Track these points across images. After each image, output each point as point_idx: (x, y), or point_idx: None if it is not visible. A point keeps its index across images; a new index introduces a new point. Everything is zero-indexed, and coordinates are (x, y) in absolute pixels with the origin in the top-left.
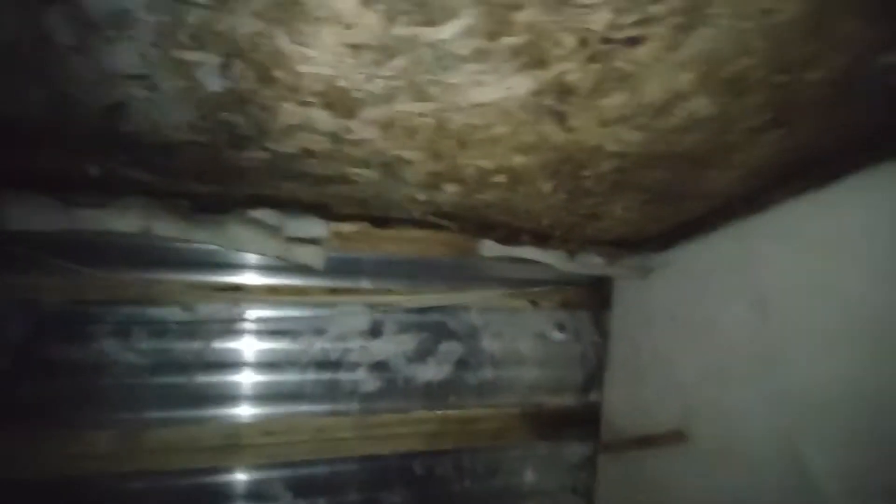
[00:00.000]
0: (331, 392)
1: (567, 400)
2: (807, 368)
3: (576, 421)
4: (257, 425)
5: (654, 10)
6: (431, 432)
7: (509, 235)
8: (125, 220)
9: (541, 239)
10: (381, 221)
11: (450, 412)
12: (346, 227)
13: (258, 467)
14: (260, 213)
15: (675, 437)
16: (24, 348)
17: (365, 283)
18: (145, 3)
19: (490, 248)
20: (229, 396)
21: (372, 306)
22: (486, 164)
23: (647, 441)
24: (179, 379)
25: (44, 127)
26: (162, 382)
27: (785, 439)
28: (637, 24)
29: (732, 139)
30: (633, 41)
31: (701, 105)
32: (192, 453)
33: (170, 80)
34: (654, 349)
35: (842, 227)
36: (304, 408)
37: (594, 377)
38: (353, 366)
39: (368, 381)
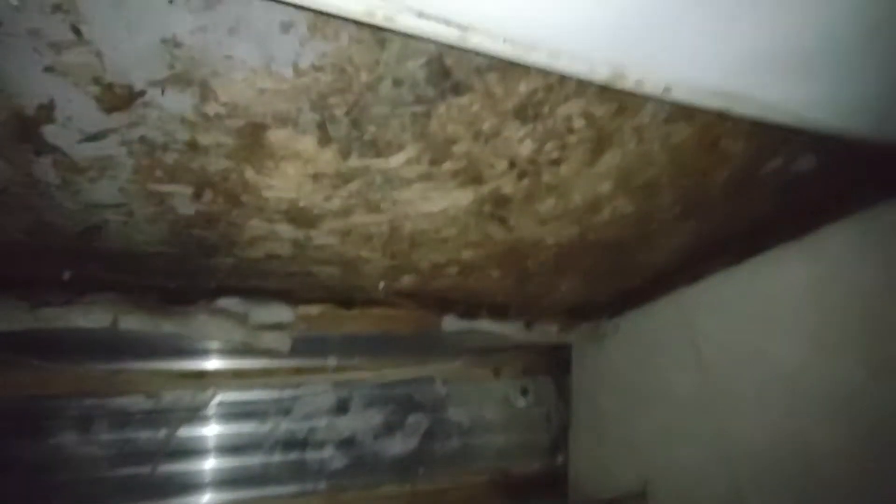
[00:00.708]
0: (298, 473)
1: (534, 464)
2: (749, 428)
3: (544, 485)
4: None
5: (570, 139)
6: None
7: (468, 311)
8: (91, 316)
9: (499, 312)
10: (345, 303)
11: (419, 487)
12: (312, 310)
13: None
14: (226, 302)
15: (636, 498)
16: None
17: (331, 361)
18: (127, 151)
19: (451, 322)
20: (194, 484)
21: (338, 383)
22: (438, 258)
23: (612, 502)
24: (142, 469)
25: (23, 245)
26: (124, 474)
27: (735, 496)
28: (556, 149)
29: (653, 228)
30: (556, 162)
31: (622, 204)
32: None
33: (145, 207)
34: (613, 411)
35: (770, 295)
36: (271, 490)
37: (559, 440)
38: (320, 444)
39: (336, 459)
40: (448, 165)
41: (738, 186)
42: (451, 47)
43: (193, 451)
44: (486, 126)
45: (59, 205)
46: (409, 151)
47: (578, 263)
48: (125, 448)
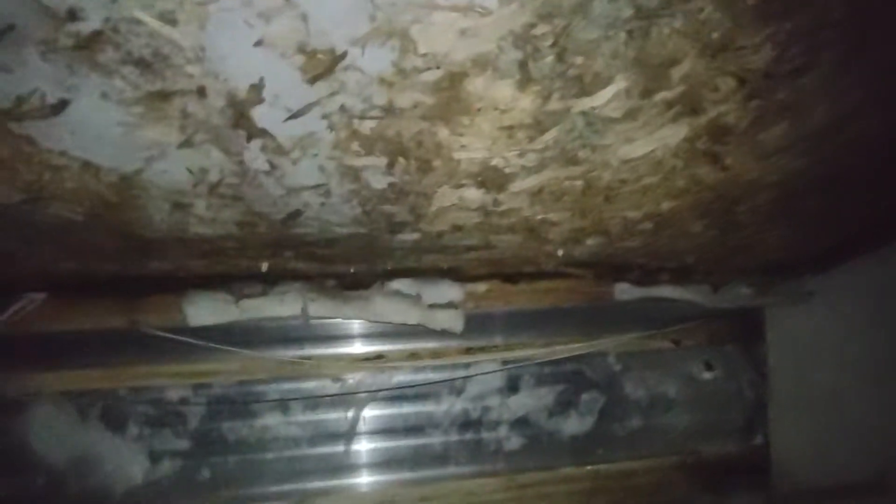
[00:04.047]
0: (475, 453)
1: (728, 446)
2: None
3: (742, 469)
4: (411, 490)
5: (822, 36)
6: (585, 490)
7: (645, 276)
8: (285, 306)
9: (681, 275)
10: (512, 277)
11: (601, 467)
12: (479, 287)
13: None
14: (399, 284)
15: (871, 488)
16: (201, 429)
17: (499, 339)
18: (327, 124)
19: (624, 291)
20: (381, 462)
21: (507, 362)
22: (632, 214)
23: (833, 493)
24: (335, 448)
25: (232, 239)
26: (320, 453)
27: None
28: (802, 52)
29: None
30: (799, 70)
31: (873, 121)
32: None
33: (341, 185)
34: (828, 385)
35: None
36: (452, 470)
37: (756, 419)
38: (495, 424)
39: (511, 439)
40: (662, 95)
41: None
42: None
43: (377, 431)
44: (716, 35)
45: (265, 192)
46: (619, 83)
47: (799, 206)
48: (319, 428)
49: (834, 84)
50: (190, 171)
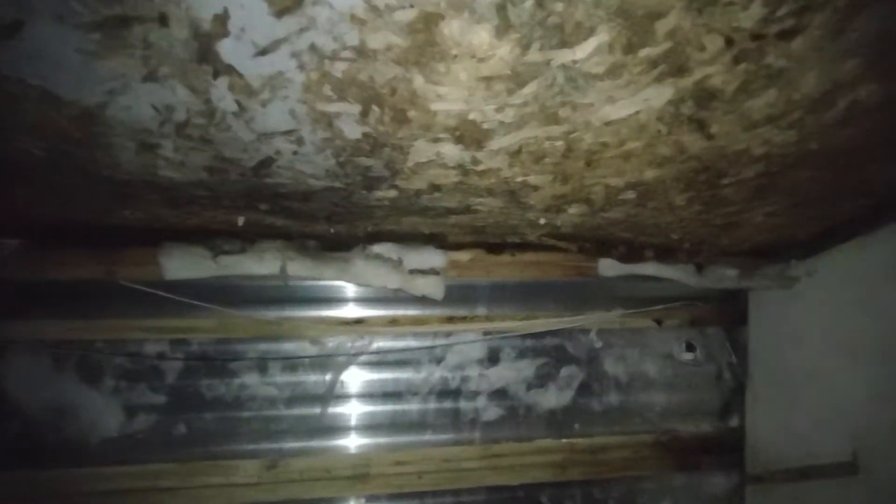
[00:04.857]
0: (453, 421)
1: (704, 426)
2: None
3: (715, 449)
4: (386, 455)
5: None
6: (558, 462)
7: (631, 252)
8: (263, 264)
9: (666, 254)
10: (495, 247)
11: (576, 440)
12: (462, 256)
13: (389, 498)
14: (380, 248)
15: (843, 468)
16: (178, 385)
17: (481, 310)
18: (297, 64)
19: (609, 267)
20: (358, 426)
21: (488, 333)
22: (615, 181)
23: (807, 473)
24: (312, 410)
25: (203, 187)
26: (297, 414)
27: None
28: (793, 13)
29: None
30: (789, 33)
31: (865, 94)
32: (326, 482)
33: (313, 132)
34: (808, 368)
35: None
36: (429, 437)
37: (733, 400)
38: (473, 394)
39: (489, 410)
40: (646, 52)
41: None
42: None
43: (355, 395)
44: None
45: (235, 136)
46: (601, 36)
47: (787, 183)
48: (297, 390)
49: (825, 51)
50: (155, 109)
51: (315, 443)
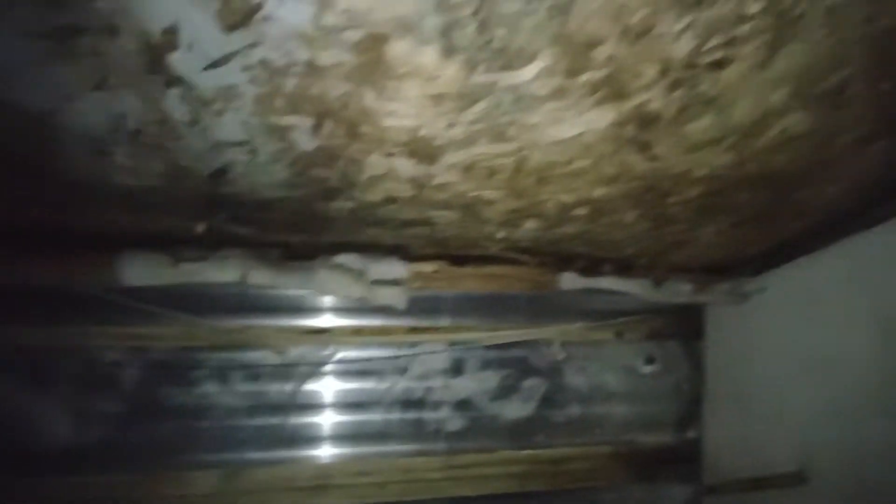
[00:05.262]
0: (416, 431)
1: (663, 437)
2: None
3: (674, 460)
4: (349, 465)
5: (740, 30)
6: (521, 473)
7: (590, 266)
8: (224, 272)
9: (624, 268)
10: (459, 259)
11: (539, 452)
12: (425, 267)
13: None
14: (344, 259)
15: (793, 478)
16: (136, 393)
17: (444, 321)
18: (248, 78)
19: (570, 280)
20: (320, 437)
21: (452, 344)
22: (566, 198)
23: (759, 483)
24: (274, 420)
25: (159, 194)
26: (258, 424)
27: None
28: (721, 46)
29: (832, 153)
30: (719, 64)
31: (795, 121)
32: (287, 493)
33: (267, 143)
34: (761, 382)
35: None
36: (392, 447)
37: (691, 412)
38: (437, 404)
39: (453, 420)
40: (586, 77)
41: None
42: None
43: (318, 405)
44: (635, 18)
45: (189, 145)
46: (543, 60)
47: (729, 203)
48: (259, 399)
49: (754, 81)
50: (107, 117)
51: (276, 453)
